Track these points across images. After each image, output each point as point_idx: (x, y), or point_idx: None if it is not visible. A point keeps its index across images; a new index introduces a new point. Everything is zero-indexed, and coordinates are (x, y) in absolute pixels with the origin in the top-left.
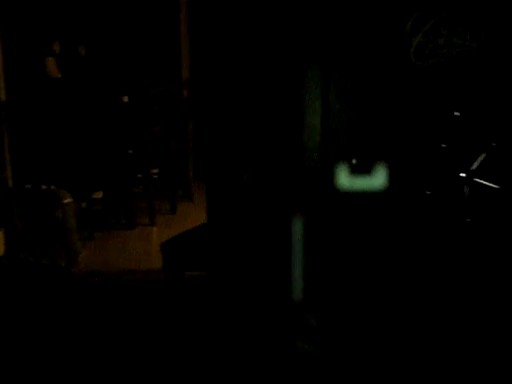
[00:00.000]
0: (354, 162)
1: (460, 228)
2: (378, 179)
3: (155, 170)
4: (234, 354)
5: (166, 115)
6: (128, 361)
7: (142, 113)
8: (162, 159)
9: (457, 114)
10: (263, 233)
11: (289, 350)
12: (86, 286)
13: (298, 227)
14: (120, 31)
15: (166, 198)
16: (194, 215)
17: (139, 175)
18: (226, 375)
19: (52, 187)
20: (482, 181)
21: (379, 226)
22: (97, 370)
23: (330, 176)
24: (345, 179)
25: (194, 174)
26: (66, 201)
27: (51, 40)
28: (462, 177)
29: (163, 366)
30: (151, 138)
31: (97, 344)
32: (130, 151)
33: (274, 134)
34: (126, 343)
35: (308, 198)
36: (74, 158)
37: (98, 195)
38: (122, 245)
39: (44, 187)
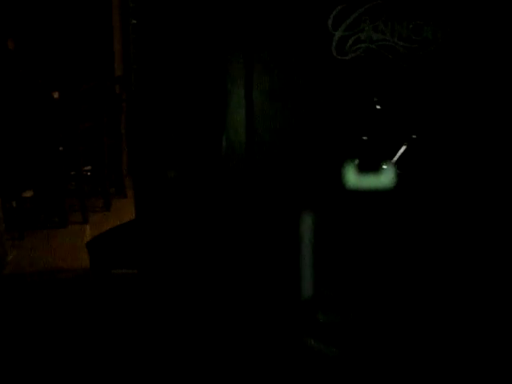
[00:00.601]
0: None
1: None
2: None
3: (88, 167)
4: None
5: (98, 111)
6: (58, 360)
7: (73, 109)
8: (95, 156)
9: (378, 107)
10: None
11: (297, 348)
12: (16, 287)
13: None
14: (51, 25)
15: (99, 195)
16: (128, 211)
17: (72, 172)
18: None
19: None
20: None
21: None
22: (26, 369)
23: (255, 170)
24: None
25: (128, 170)
26: None
27: None
28: (384, 169)
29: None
30: (83, 135)
31: (25, 345)
32: (61, 148)
33: (196, 132)
34: (53, 344)
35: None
36: (1, 156)
37: (28, 194)
38: (53, 244)
39: None
